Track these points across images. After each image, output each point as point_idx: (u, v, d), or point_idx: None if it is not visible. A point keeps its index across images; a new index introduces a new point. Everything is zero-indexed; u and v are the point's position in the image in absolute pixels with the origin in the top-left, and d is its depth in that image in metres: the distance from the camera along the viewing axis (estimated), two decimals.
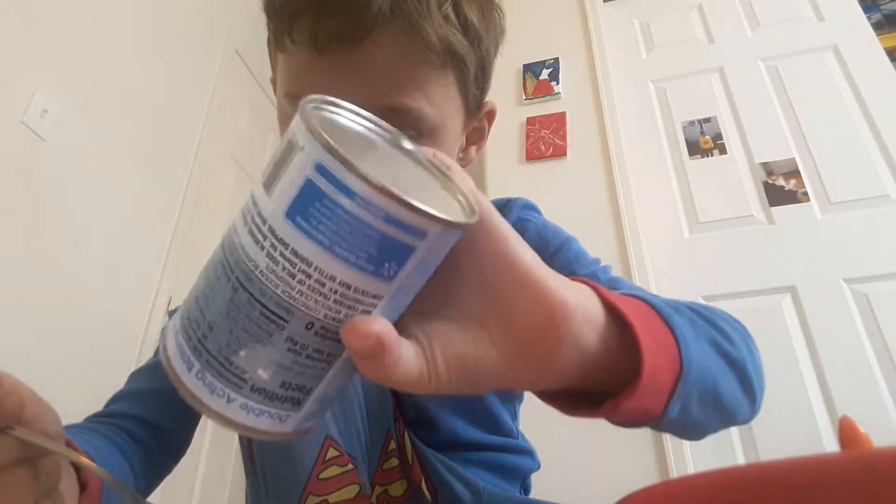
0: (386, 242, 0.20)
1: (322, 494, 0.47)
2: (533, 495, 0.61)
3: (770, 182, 1.74)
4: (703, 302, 1.63)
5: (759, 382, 0.37)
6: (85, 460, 0.31)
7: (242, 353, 0.22)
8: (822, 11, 1.95)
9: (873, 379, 1.41)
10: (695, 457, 1.41)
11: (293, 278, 0.21)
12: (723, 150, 1.84)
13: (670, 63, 2.06)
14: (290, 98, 0.46)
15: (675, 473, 1.36)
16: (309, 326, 0.21)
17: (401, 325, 0.23)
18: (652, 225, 1.77)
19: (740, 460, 1.42)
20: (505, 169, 1.96)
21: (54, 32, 1.44)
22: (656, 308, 0.30)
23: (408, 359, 0.22)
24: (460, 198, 0.24)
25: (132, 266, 1.63)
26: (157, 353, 0.63)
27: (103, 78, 1.59)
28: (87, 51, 1.55)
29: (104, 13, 1.64)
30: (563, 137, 1.92)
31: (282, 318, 0.21)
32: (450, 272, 0.24)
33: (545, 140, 1.94)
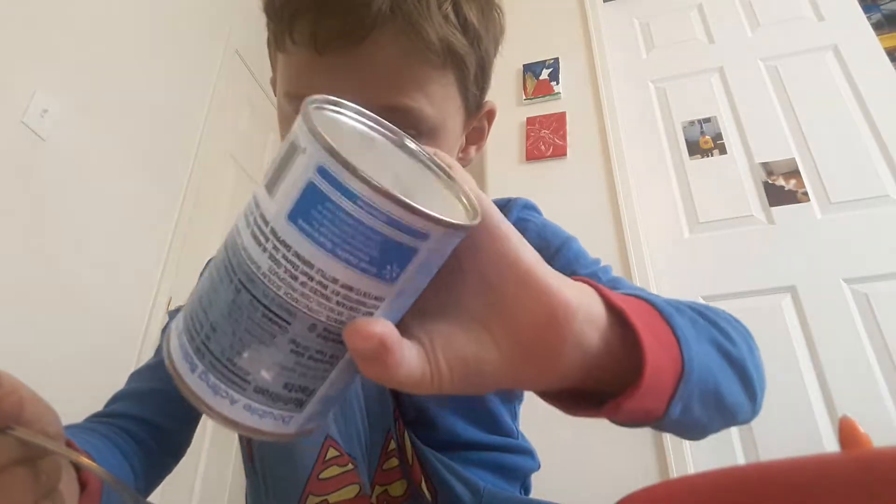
0: (388, 245, 0.20)
1: (322, 494, 0.47)
2: (533, 495, 0.60)
3: (770, 182, 1.74)
4: (703, 302, 1.63)
5: (760, 382, 0.37)
6: (85, 460, 0.31)
7: (245, 355, 0.22)
8: (822, 11, 1.95)
9: (873, 379, 1.41)
10: (695, 457, 1.41)
11: (295, 280, 0.21)
12: (723, 150, 1.84)
13: (670, 63, 2.06)
14: (291, 98, 0.46)
15: (675, 473, 1.36)
16: (311, 328, 0.21)
17: (403, 326, 0.23)
18: (652, 225, 1.77)
19: (740, 460, 1.42)
20: (505, 169, 1.96)
21: (54, 32, 1.44)
22: (658, 308, 0.30)
23: (410, 360, 0.22)
24: (463, 199, 0.24)
25: (132, 266, 1.63)
26: (157, 353, 0.63)
27: (103, 78, 1.59)
28: (87, 51, 1.55)
29: (104, 13, 1.64)
30: (563, 137, 1.92)
31: (284, 320, 0.21)
32: (452, 272, 0.24)
33: (545, 140, 1.94)
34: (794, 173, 1.72)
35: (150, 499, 0.48)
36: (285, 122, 0.48)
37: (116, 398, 0.58)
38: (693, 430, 0.33)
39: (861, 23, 1.88)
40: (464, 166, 0.27)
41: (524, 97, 2.06)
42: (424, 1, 0.42)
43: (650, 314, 0.29)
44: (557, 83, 2.04)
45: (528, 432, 0.63)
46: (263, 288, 0.21)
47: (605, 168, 1.83)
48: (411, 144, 0.27)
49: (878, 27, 1.93)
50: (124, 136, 1.65)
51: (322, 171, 0.20)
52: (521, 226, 0.58)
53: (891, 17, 2.02)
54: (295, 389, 0.23)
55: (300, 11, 0.42)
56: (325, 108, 0.24)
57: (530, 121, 2.00)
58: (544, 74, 2.07)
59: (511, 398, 0.61)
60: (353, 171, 0.19)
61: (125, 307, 1.58)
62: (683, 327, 0.30)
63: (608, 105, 1.92)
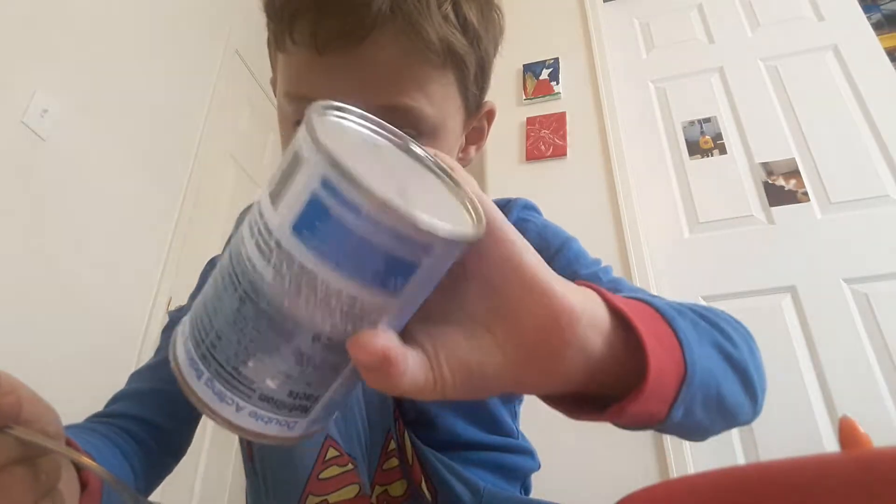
0: (392, 258, 0.20)
1: (322, 494, 0.47)
2: (533, 495, 0.60)
3: (770, 182, 1.74)
4: (703, 302, 1.63)
5: (761, 383, 0.37)
6: (85, 459, 0.31)
7: (250, 364, 0.22)
8: (822, 11, 1.95)
9: (873, 379, 1.41)
10: (695, 457, 1.41)
11: (299, 292, 0.21)
12: (723, 150, 1.84)
13: (670, 63, 2.06)
14: (291, 98, 0.46)
15: (675, 473, 1.36)
16: (316, 339, 0.22)
17: (406, 330, 0.23)
18: (652, 225, 1.77)
19: (740, 460, 1.42)
20: (505, 169, 1.96)
21: (54, 32, 1.44)
22: (660, 311, 0.30)
23: (413, 369, 0.22)
24: (469, 206, 0.24)
25: (132, 266, 1.63)
26: (157, 353, 0.63)
27: (103, 78, 1.59)
28: (87, 51, 1.55)
29: (104, 13, 1.64)
30: (563, 137, 1.92)
31: (288, 331, 0.21)
32: (455, 276, 0.24)
33: (545, 140, 1.94)
34: (794, 173, 1.72)
35: (150, 498, 0.48)
36: (285, 123, 0.48)
37: (117, 398, 0.58)
38: (695, 432, 0.33)
39: (861, 23, 1.88)
40: (463, 166, 0.27)
41: (524, 97, 2.06)
42: (424, 1, 0.42)
43: (653, 317, 0.29)
44: (557, 83, 2.04)
45: (528, 432, 0.63)
46: (267, 299, 0.21)
47: (605, 168, 1.83)
48: (417, 149, 0.26)
49: (878, 27, 1.93)
50: (124, 136, 1.65)
51: (325, 184, 0.20)
52: (522, 226, 0.58)
53: (891, 17, 2.02)
54: (300, 397, 0.23)
55: (300, 11, 0.42)
56: (328, 114, 0.24)
57: (530, 121, 2.00)
58: (544, 74, 2.07)
59: (511, 398, 0.61)
60: (356, 184, 0.19)
61: (125, 307, 1.58)
62: (686, 330, 0.30)
63: (608, 105, 1.92)
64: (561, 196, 1.81)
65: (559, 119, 1.96)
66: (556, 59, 2.09)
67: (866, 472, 0.19)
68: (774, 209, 1.69)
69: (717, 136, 1.86)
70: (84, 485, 0.36)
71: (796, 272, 1.59)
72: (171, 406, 0.56)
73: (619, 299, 0.27)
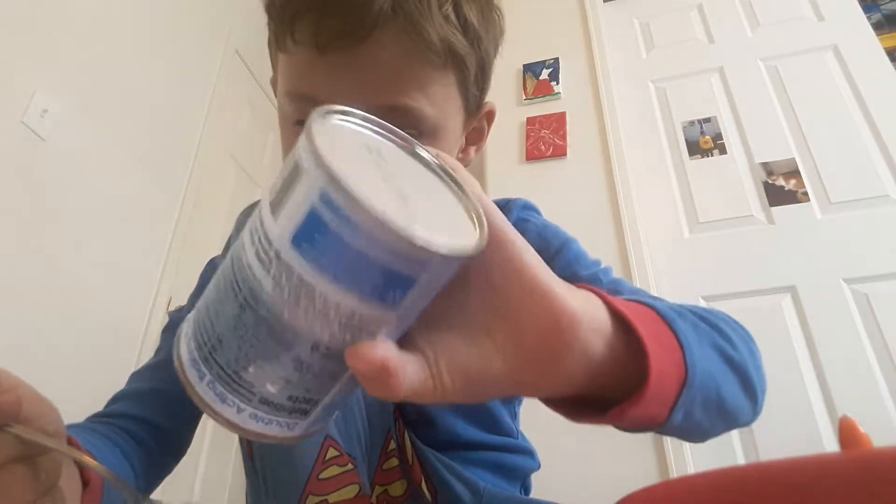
0: (390, 272, 0.20)
1: (322, 494, 0.47)
2: (533, 495, 0.60)
3: (770, 182, 1.74)
4: (703, 302, 1.63)
5: (761, 385, 0.37)
6: (85, 457, 0.31)
7: (251, 369, 0.22)
8: (822, 11, 1.95)
9: (873, 379, 1.41)
10: (695, 457, 1.41)
11: (298, 303, 0.21)
12: (723, 150, 1.84)
13: (670, 63, 2.06)
14: (291, 98, 0.46)
15: (675, 474, 1.36)
16: (314, 348, 0.22)
17: (405, 336, 0.23)
18: (652, 225, 1.77)
19: (740, 460, 1.42)
20: (505, 169, 1.96)
21: (54, 32, 1.44)
22: (661, 313, 0.30)
23: (413, 376, 0.22)
24: (473, 213, 0.24)
25: (132, 266, 1.63)
26: (157, 353, 0.63)
27: (103, 78, 1.59)
28: (87, 51, 1.55)
29: (104, 13, 1.64)
30: (563, 137, 1.92)
31: (288, 340, 0.22)
32: (457, 279, 0.24)
33: (545, 140, 1.94)
34: (794, 173, 1.72)
35: (151, 496, 0.48)
36: (286, 122, 0.48)
37: (117, 398, 0.58)
38: (695, 433, 0.33)
39: (861, 23, 1.88)
40: (464, 166, 0.27)
41: (524, 97, 2.06)
42: (425, 1, 0.42)
43: (653, 320, 0.29)
44: (557, 83, 2.04)
45: (528, 433, 0.63)
46: (267, 307, 0.21)
47: (605, 168, 1.83)
48: (422, 153, 0.26)
49: (878, 27, 1.93)
50: (124, 136, 1.65)
51: (324, 198, 0.20)
52: (521, 226, 0.58)
53: (891, 17, 2.02)
54: (299, 401, 0.23)
55: (301, 11, 0.43)
56: (330, 118, 0.24)
57: (530, 121, 2.00)
58: (544, 74, 2.07)
59: (511, 399, 0.61)
60: (354, 201, 0.19)
61: (125, 307, 1.58)
62: (686, 332, 0.30)
63: (608, 105, 1.92)
64: (561, 196, 1.81)
65: (559, 119, 1.96)
66: (556, 59, 2.09)
67: (866, 472, 0.19)
68: (774, 209, 1.69)
69: (717, 136, 1.86)
70: (85, 483, 0.36)
71: (796, 272, 1.59)
72: (171, 406, 0.56)
73: (620, 302, 0.27)
